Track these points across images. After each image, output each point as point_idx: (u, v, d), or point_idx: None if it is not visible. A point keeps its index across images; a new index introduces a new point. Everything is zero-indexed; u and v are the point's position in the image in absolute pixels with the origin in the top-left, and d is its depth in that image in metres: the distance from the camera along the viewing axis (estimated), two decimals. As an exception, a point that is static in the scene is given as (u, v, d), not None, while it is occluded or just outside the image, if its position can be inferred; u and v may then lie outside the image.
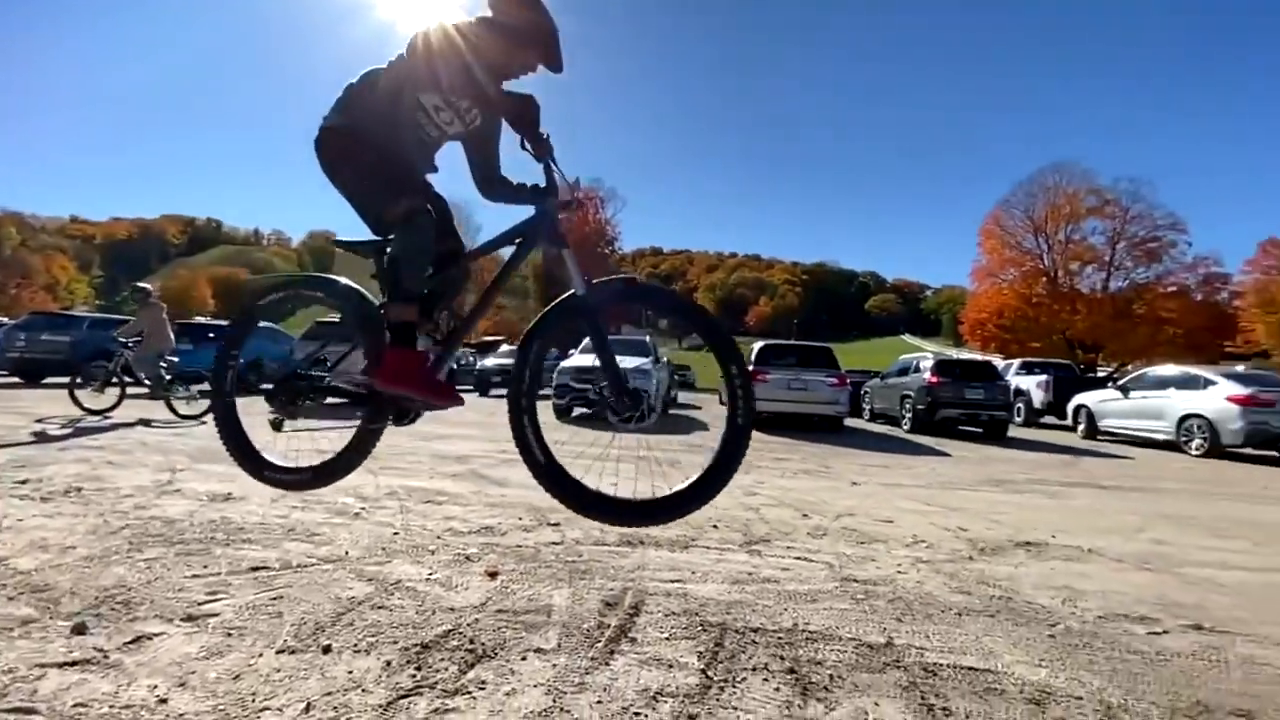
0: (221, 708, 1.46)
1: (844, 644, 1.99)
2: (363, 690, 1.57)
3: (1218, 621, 2.39)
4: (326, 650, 1.76)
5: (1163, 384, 10.59)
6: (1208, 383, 9.66)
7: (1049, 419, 14.74)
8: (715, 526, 3.40)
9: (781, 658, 1.88)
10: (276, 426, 2.07)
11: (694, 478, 1.79)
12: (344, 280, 2.03)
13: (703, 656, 1.85)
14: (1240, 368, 12.78)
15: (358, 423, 1.97)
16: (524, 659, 1.80)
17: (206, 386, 4.58)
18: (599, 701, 1.58)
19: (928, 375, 11.41)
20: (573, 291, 1.85)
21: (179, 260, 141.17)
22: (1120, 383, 11.89)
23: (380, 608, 2.09)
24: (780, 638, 2.01)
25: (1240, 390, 9.08)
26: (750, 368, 10.71)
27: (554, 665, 1.75)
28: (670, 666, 1.78)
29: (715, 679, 1.72)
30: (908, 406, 11.81)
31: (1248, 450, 9.28)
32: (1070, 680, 1.82)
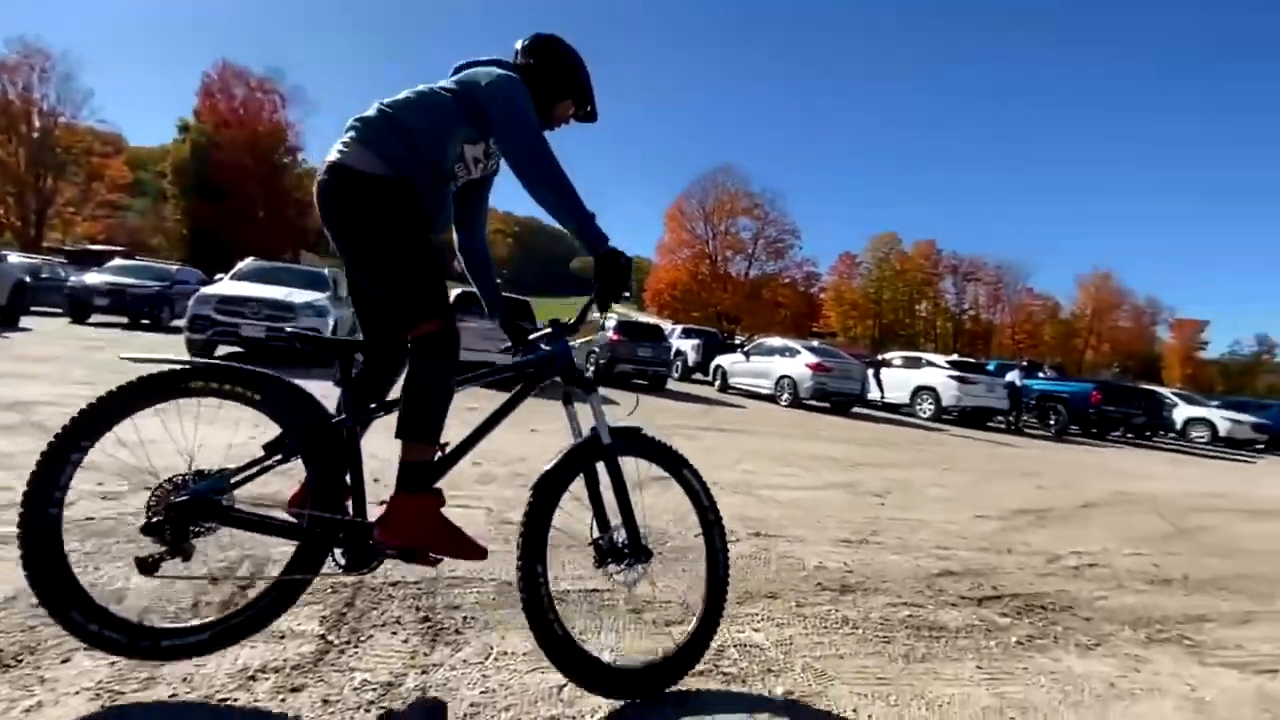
0: None
1: (485, 585, 2.07)
2: None
3: (770, 528, 3.23)
4: None
5: (770, 351, 13.81)
6: (796, 352, 12.98)
7: (698, 375, 17.95)
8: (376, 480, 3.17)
9: (417, 608, 1.85)
10: (148, 568, 1.32)
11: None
12: (284, 379, 1.46)
13: (326, 621, 1.70)
14: (816, 342, 17.48)
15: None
16: (66, 661, 1.39)
17: None
18: (172, 695, 1.32)
19: (611, 334, 12.68)
20: (594, 434, 1.64)
21: None
22: (745, 349, 15.14)
23: None
24: (420, 588, 1.98)
25: (814, 359, 12.45)
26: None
27: (112, 663, 1.39)
28: (283, 638, 1.58)
29: (336, 643, 1.60)
30: (592, 361, 12.96)
31: (814, 402, 12.82)
32: (665, 589, 2.23)
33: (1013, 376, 13.89)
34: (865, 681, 1.75)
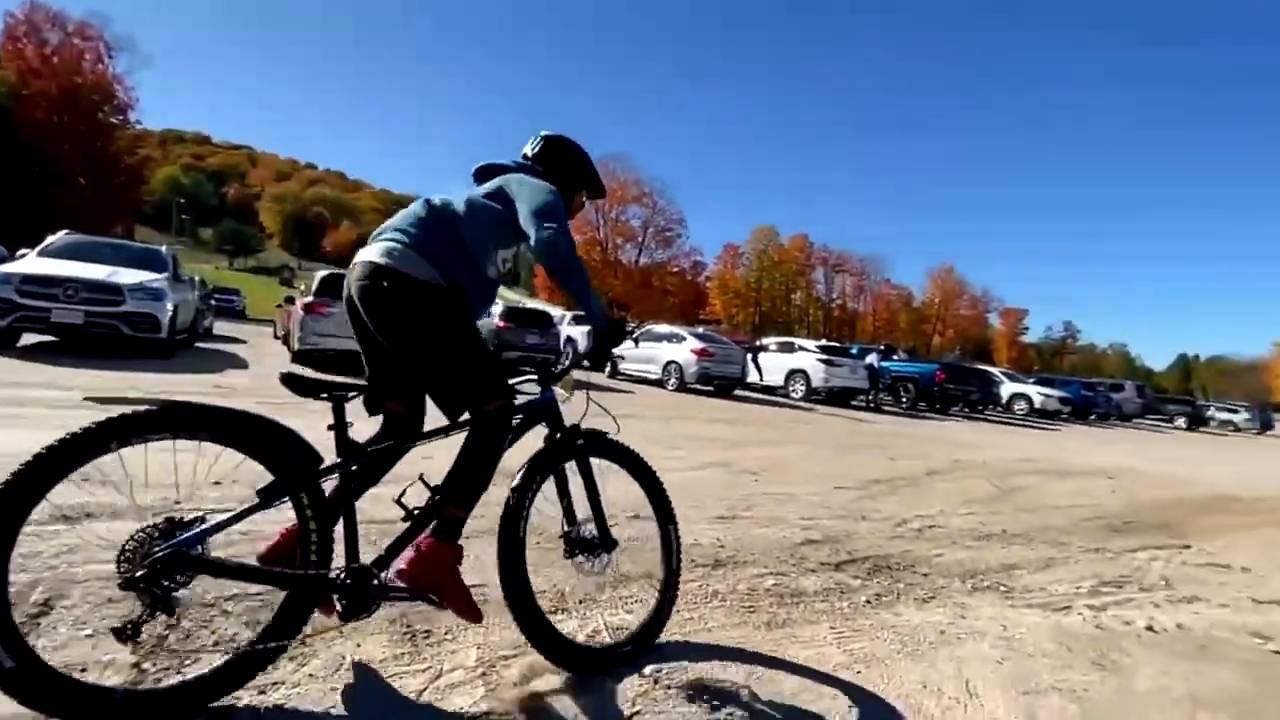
0: None
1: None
2: None
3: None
4: None
5: (658, 338, 14.11)
6: (682, 338, 13.36)
7: (588, 362, 17.92)
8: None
9: (255, 623, 1.66)
10: (125, 635, 1.16)
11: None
12: (278, 422, 1.35)
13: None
14: (701, 329, 18.11)
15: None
16: None
17: None
18: None
19: (497, 321, 12.32)
20: (571, 432, 1.81)
21: None
22: (634, 336, 15.35)
23: None
24: (261, 600, 1.78)
25: (699, 345, 12.89)
26: (309, 299, 9.35)
27: None
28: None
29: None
30: (478, 348, 12.54)
31: (699, 386, 13.28)
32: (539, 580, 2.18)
33: (871, 359, 15.28)
34: (728, 653, 1.82)
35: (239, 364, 8.50)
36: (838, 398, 14.88)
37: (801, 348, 15.43)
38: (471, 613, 1.52)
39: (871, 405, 15.18)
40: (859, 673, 1.81)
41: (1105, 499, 5.40)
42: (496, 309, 12.83)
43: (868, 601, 2.39)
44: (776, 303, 67.11)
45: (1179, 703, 1.87)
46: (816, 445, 7.11)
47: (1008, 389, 20.37)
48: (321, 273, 10.20)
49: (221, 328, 16.84)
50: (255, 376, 7.24)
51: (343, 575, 1.37)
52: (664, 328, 14.83)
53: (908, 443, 8.31)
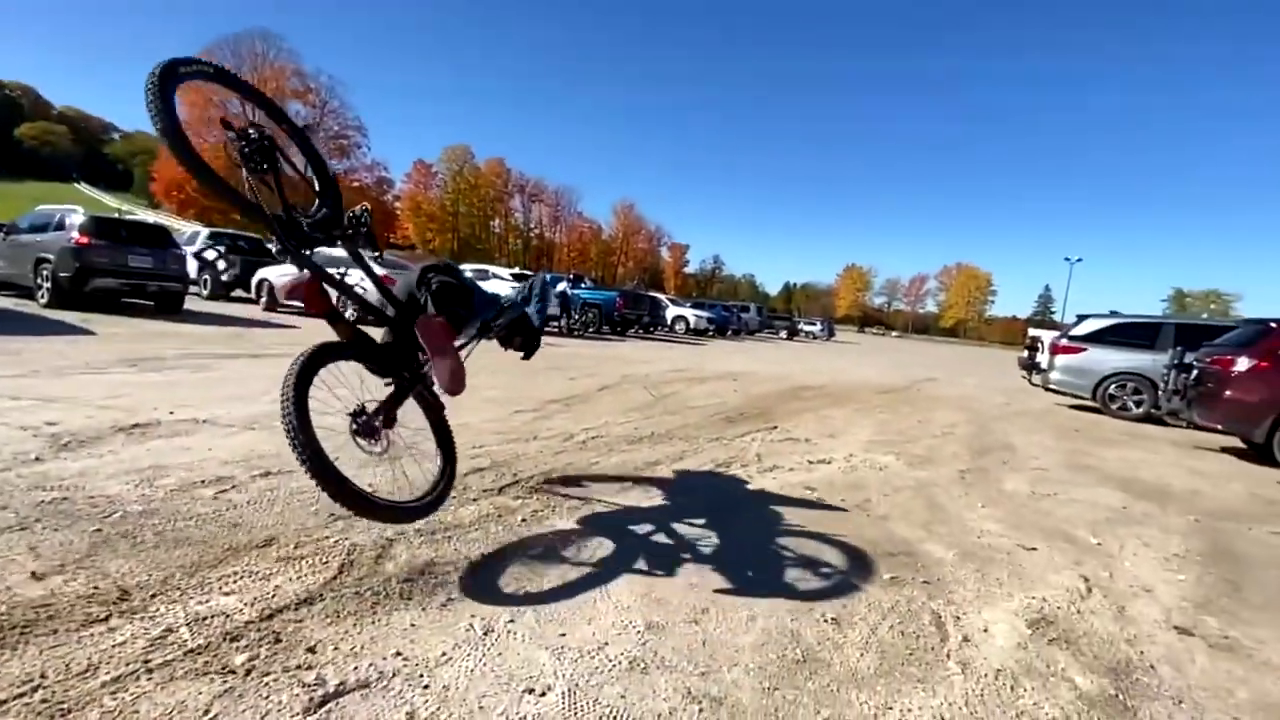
0: None
1: None
2: None
3: (286, 464, 2.79)
4: None
5: (332, 263, 12.22)
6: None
7: (241, 293, 14.65)
8: None
9: None
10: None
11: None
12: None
13: None
14: (388, 254, 16.34)
15: None
16: None
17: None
18: None
19: (76, 235, 8.98)
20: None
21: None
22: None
23: None
24: None
25: (381, 272, 11.56)
26: None
27: None
28: None
29: None
30: (45, 274, 9.01)
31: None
32: (96, 574, 1.63)
33: (563, 287, 16.01)
34: (336, 619, 1.62)
35: None
36: (531, 324, 15.25)
37: (495, 275, 15.25)
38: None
39: (563, 330, 16.04)
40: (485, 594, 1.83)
41: (729, 397, 6.73)
42: (77, 218, 9.32)
43: (524, 520, 2.45)
44: (475, 229, 64.92)
45: (754, 549, 2.40)
46: (502, 371, 7.16)
47: (671, 312, 23.78)
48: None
49: None
50: None
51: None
52: (339, 252, 12.89)
53: (588, 363, 9.01)
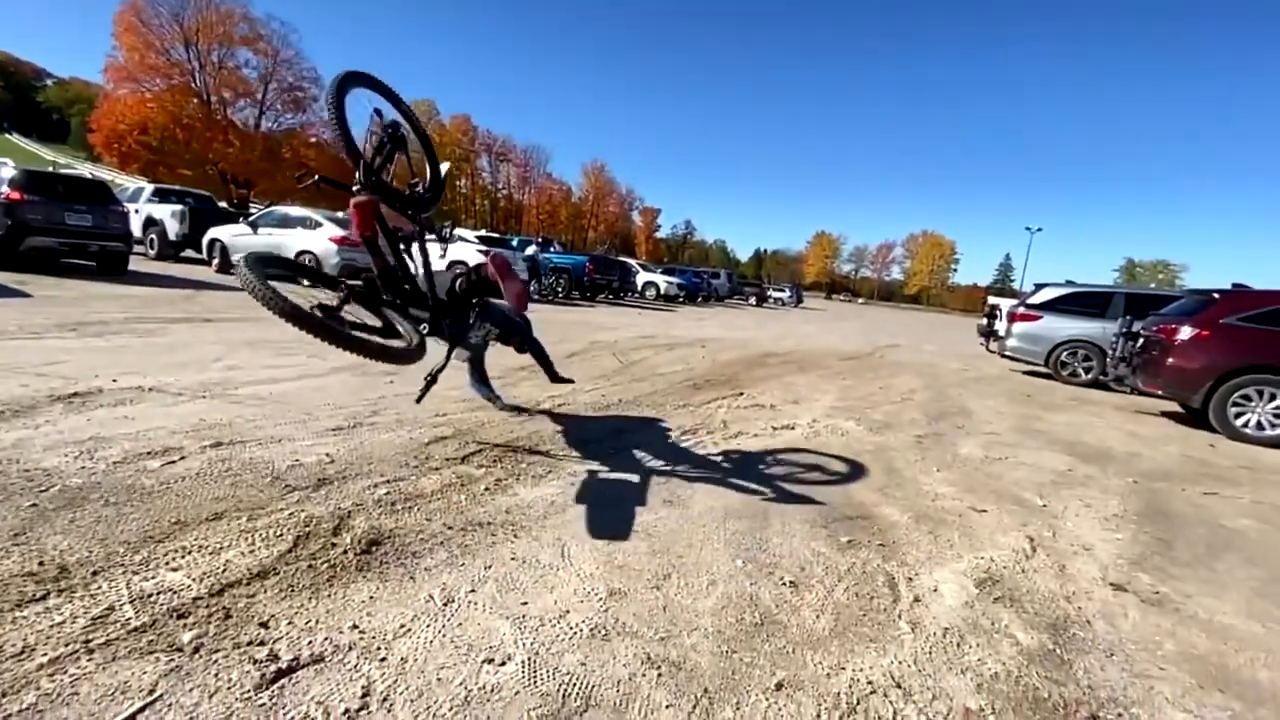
0: None
1: None
2: None
3: (240, 434, 2.70)
4: None
5: (288, 223, 11.73)
6: (318, 224, 11.38)
7: (191, 253, 13.97)
8: None
9: None
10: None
11: None
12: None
13: None
14: (344, 214, 15.74)
15: None
16: None
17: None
18: None
19: (6, 190, 8.38)
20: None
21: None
22: (251, 219, 12.43)
23: None
24: None
25: (339, 232, 11.15)
26: None
27: None
28: None
29: None
30: (-28, 232, 8.40)
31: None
32: (32, 551, 1.56)
33: (531, 251, 15.73)
34: (290, 593, 1.59)
35: None
36: (499, 289, 14.99)
37: (461, 238, 14.83)
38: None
39: (533, 295, 15.80)
40: (463, 564, 1.82)
41: (697, 364, 6.76)
42: (8, 172, 8.68)
43: (487, 489, 2.43)
44: (445, 189, 62.85)
45: (716, 515, 2.43)
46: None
47: (642, 278, 23.62)
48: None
49: None
50: None
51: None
52: (297, 210, 12.35)
53: (557, 328, 8.91)
